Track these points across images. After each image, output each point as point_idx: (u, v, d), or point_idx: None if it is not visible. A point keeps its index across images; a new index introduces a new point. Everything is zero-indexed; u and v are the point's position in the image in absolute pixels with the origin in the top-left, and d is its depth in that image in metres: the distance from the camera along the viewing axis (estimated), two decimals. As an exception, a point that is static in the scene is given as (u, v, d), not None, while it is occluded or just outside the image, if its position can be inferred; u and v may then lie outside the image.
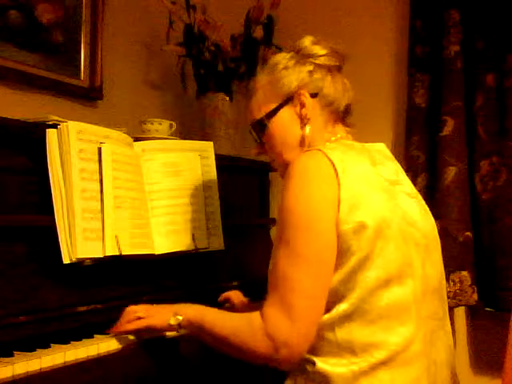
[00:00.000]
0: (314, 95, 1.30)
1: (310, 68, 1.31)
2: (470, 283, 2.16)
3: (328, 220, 1.14)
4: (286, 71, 1.32)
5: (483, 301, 2.18)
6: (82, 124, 1.37)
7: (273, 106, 1.33)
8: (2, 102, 1.71)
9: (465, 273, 2.16)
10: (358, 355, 1.12)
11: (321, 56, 1.31)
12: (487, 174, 2.18)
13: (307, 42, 1.34)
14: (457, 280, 2.15)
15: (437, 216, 2.16)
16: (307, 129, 1.30)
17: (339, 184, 1.15)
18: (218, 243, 1.72)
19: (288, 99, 1.31)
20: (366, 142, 1.35)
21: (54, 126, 1.33)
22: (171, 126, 1.87)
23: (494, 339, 2.14)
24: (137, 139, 1.61)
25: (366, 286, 1.13)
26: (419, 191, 2.17)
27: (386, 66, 2.40)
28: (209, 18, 2.19)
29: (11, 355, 1.10)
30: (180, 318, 1.24)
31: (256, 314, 1.15)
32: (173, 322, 1.25)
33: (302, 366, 1.17)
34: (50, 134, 1.31)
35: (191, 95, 2.31)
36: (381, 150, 1.35)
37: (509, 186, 2.14)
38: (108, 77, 2.07)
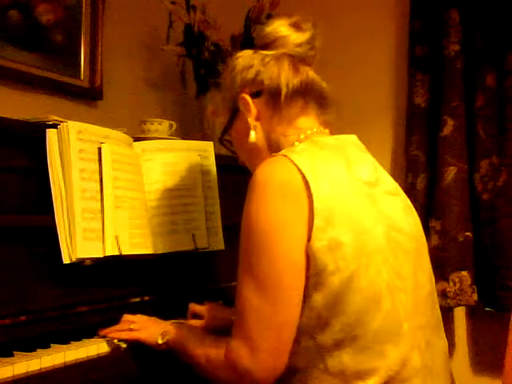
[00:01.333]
0: (256, 94, 1.20)
1: (254, 62, 1.20)
2: (469, 283, 2.16)
3: (292, 238, 1.04)
4: (231, 74, 1.23)
5: (483, 301, 2.18)
6: (82, 124, 1.37)
7: (227, 117, 1.27)
8: (2, 102, 1.70)
9: (465, 273, 2.16)
10: (352, 383, 1.05)
11: (275, 41, 1.21)
12: (487, 173, 2.19)
13: (265, 28, 1.24)
14: (457, 280, 2.15)
15: (437, 216, 2.19)
16: (251, 135, 1.19)
17: (311, 195, 1.04)
18: (218, 243, 1.72)
19: (236, 107, 1.23)
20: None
21: (54, 126, 1.32)
22: (171, 125, 1.87)
23: (494, 339, 2.14)
24: (137, 139, 1.61)
25: (355, 310, 1.04)
26: (419, 191, 2.22)
27: (386, 66, 2.40)
28: (209, 18, 2.20)
29: (11, 355, 1.10)
30: (166, 337, 1.24)
31: (224, 341, 1.11)
32: (160, 340, 1.24)
33: None
34: (50, 134, 1.31)
35: (191, 95, 2.31)
36: (354, 143, 1.23)
37: (509, 185, 2.14)
38: (108, 77, 2.07)
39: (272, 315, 1.06)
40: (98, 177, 1.38)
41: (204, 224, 1.67)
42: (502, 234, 2.12)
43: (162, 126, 1.84)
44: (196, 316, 1.49)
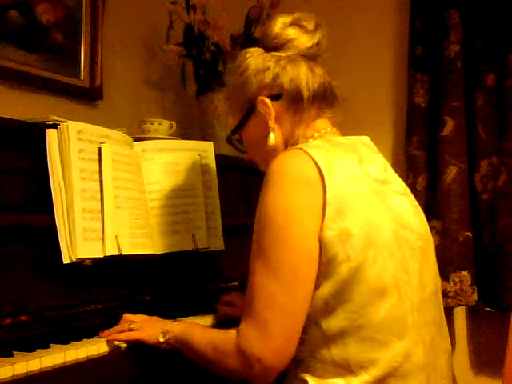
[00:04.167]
0: (276, 97, 1.21)
1: (270, 64, 1.21)
2: (470, 283, 2.16)
3: (307, 228, 1.07)
4: (245, 75, 1.23)
5: (483, 301, 2.19)
6: (82, 124, 1.37)
7: (239, 117, 1.27)
8: (2, 102, 1.70)
9: (465, 273, 2.16)
10: (355, 373, 1.07)
11: (286, 43, 1.22)
12: (487, 174, 2.19)
13: (273, 27, 1.24)
14: (457, 280, 2.16)
15: (437, 216, 2.19)
16: (271, 137, 1.21)
17: (325, 186, 1.07)
18: (217, 243, 1.72)
19: (251, 108, 1.24)
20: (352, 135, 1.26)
21: (54, 126, 1.32)
22: (171, 125, 1.87)
23: (494, 339, 2.14)
24: (137, 139, 1.61)
25: (360, 299, 1.07)
26: (419, 191, 2.22)
27: (386, 66, 2.40)
28: (209, 17, 2.20)
29: (11, 355, 1.10)
30: (168, 335, 1.24)
31: (233, 329, 1.12)
32: (161, 339, 1.24)
33: None
34: (50, 133, 1.31)
35: (191, 95, 2.31)
36: (367, 143, 1.26)
37: (509, 185, 2.14)
38: (108, 77, 2.07)
39: (286, 302, 1.07)
40: (98, 177, 1.38)
41: (204, 224, 1.67)
42: (502, 233, 2.12)
43: (162, 125, 1.84)
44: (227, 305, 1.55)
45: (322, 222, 1.07)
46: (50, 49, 1.90)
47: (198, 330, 1.24)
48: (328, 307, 1.09)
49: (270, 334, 1.07)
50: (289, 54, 1.22)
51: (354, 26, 2.37)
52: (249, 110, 1.26)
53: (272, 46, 1.24)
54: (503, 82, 2.15)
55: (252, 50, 1.27)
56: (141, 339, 1.26)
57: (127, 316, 1.32)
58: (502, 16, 2.15)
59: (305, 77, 1.21)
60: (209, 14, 2.21)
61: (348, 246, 1.07)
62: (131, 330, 1.28)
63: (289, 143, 1.23)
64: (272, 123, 1.22)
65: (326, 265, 1.07)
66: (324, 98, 1.24)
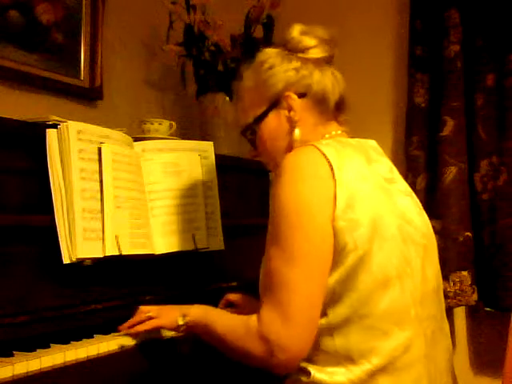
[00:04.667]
0: (302, 95, 1.26)
1: (297, 65, 1.25)
2: (469, 283, 2.16)
3: (322, 217, 1.11)
4: (272, 71, 1.27)
5: (483, 301, 2.18)
6: (82, 124, 1.37)
7: (260, 110, 1.29)
8: (2, 102, 1.70)
9: (465, 273, 2.16)
10: (356, 362, 1.09)
11: (309, 48, 1.27)
12: (487, 173, 2.19)
13: (295, 32, 1.29)
14: (457, 280, 2.15)
15: (437, 216, 2.19)
16: (296, 132, 1.26)
17: (335, 180, 1.12)
18: (217, 243, 1.72)
19: (275, 102, 1.27)
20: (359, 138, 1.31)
21: (54, 126, 1.33)
22: (171, 125, 1.87)
23: (494, 339, 2.14)
24: (137, 139, 1.61)
25: (364, 288, 1.10)
26: (419, 191, 2.22)
27: (386, 66, 2.40)
28: (209, 18, 2.20)
29: (11, 355, 1.10)
30: (187, 318, 1.26)
31: (253, 316, 1.13)
32: (180, 322, 1.26)
33: (296, 377, 1.14)
34: (50, 134, 1.31)
35: (191, 95, 2.31)
36: (373, 147, 1.31)
37: (509, 185, 2.14)
38: (108, 77, 2.07)
39: (306, 287, 1.10)
40: (98, 177, 1.38)
41: (204, 224, 1.67)
42: (502, 233, 2.12)
43: (162, 125, 1.84)
44: (229, 306, 1.55)
45: (334, 212, 1.11)
46: (50, 49, 1.90)
47: (216, 315, 1.25)
48: (335, 296, 1.11)
49: (292, 321, 1.08)
50: (313, 57, 1.27)
51: (353, 25, 2.37)
52: (271, 104, 1.28)
53: (294, 48, 1.28)
54: (503, 81, 2.15)
55: (274, 49, 1.30)
56: (160, 325, 1.29)
57: (142, 307, 1.33)
58: (502, 16, 2.15)
59: (330, 82, 1.27)
60: (209, 14, 2.21)
61: (356, 236, 1.10)
62: (150, 318, 1.29)
63: (306, 140, 1.25)
64: (298, 119, 1.26)
65: (336, 254, 1.11)
66: (340, 104, 1.29)
